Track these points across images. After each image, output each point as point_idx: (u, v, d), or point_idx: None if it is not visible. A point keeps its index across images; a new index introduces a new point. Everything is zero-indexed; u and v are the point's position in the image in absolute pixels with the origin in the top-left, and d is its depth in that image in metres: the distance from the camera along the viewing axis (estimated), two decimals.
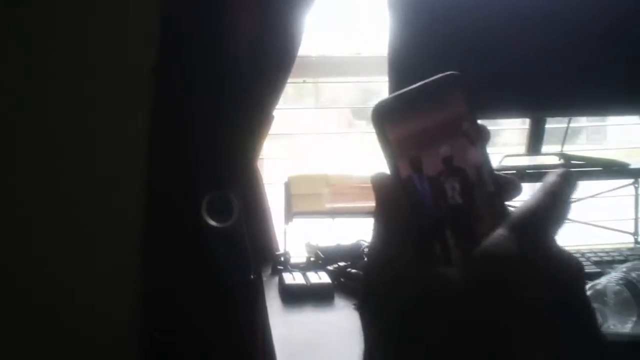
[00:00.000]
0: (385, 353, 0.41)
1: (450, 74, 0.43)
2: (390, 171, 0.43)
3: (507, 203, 0.43)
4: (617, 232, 1.26)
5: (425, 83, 0.43)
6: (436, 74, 0.43)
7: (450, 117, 0.42)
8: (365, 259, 0.45)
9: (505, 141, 1.62)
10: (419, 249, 0.42)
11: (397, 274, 0.42)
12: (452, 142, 0.42)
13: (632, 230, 1.28)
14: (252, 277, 1.23)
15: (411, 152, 0.42)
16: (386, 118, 0.43)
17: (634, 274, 0.88)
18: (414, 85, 0.43)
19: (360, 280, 0.45)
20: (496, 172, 0.43)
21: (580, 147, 1.61)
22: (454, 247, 0.42)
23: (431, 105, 0.43)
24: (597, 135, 1.73)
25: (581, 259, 1.09)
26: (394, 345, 0.41)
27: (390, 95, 0.43)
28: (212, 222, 1.25)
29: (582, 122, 1.61)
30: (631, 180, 1.27)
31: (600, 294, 0.84)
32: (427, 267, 0.41)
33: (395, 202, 0.43)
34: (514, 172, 1.21)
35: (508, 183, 0.43)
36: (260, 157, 1.36)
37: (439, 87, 0.43)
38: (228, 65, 1.26)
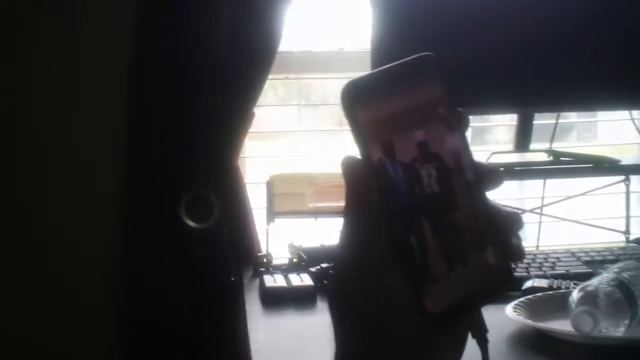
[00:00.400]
0: (354, 351, 0.41)
1: (425, 54, 0.40)
2: (361, 155, 0.40)
3: (487, 193, 0.41)
4: (607, 231, 1.23)
5: (399, 63, 0.40)
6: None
7: (426, 101, 0.40)
8: (335, 254, 0.43)
9: (497, 139, 1.60)
10: (390, 242, 0.40)
11: (364, 277, 0.40)
12: (428, 127, 0.40)
13: (623, 228, 1.25)
14: (232, 279, 1.19)
15: (383, 135, 0.40)
16: (356, 99, 0.40)
17: (625, 274, 0.85)
18: (386, 66, 0.40)
19: (329, 279, 0.44)
20: (476, 161, 0.41)
21: (570, 144, 1.59)
22: (430, 238, 0.40)
23: (404, 87, 0.40)
24: (588, 133, 1.71)
25: (571, 259, 1.06)
26: (361, 343, 0.41)
27: (361, 75, 0.40)
28: (191, 223, 1.21)
29: (572, 118, 1.58)
30: (622, 177, 1.25)
31: (592, 296, 0.81)
32: (392, 276, 0.40)
33: (365, 186, 0.40)
34: (502, 169, 1.17)
35: (489, 172, 0.41)
36: (241, 155, 1.34)
37: (413, 68, 0.40)
38: (205, 61, 1.22)
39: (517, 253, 0.43)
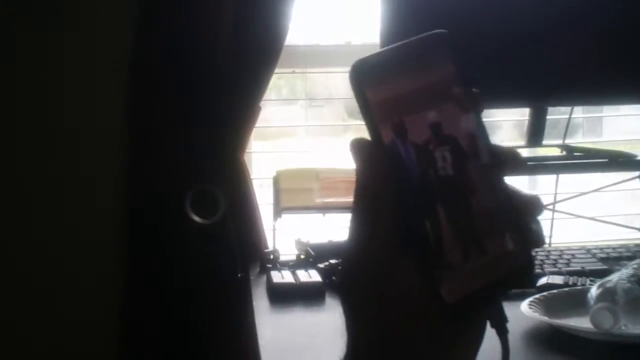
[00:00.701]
0: (366, 344, 0.40)
1: (436, 32, 0.39)
2: (371, 137, 0.38)
3: (506, 178, 0.39)
4: (622, 227, 1.21)
5: (409, 41, 0.38)
6: None
7: (438, 80, 0.38)
8: (345, 245, 0.40)
9: (502, 137, 1.58)
10: (403, 229, 0.38)
11: (374, 268, 0.39)
12: (441, 107, 0.38)
13: (638, 225, 1.23)
14: (239, 276, 1.18)
15: (394, 116, 0.38)
16: (365, 77, 0.38)
17: None
18: (396, 44, 0.38)
19: (339, 271, 0.41)
20: (493, 144, 0.39)
21: (577, 141, 1.56)
22: (445, 224, 0.38)
23: (416, 66, 0.38)
24: (594, 130, 1.69)
25: (586, 255, 1.04)
26: (372, 336, 0.39)
27: (371, 54, 0.38)
28: (197, 219, 1.19)
29: (577, 114, 1.56)
30: (637, 173, 1.22)
31: (611, 292, 0.79)
32: (404, 266, 0.38)
33: (376, 169, 0.38)
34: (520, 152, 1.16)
35: (507, 155, 0.40)
36: (248, 150, 1.32)
37: (424, 46, 0.39)
38: (210, 55, 1.21)
39: (537, 239, 0.41)
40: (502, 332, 0.41)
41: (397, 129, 0.38)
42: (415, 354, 0.39)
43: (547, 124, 1.25)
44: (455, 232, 0.38)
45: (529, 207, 0.40)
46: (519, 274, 0.40)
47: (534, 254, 0.41)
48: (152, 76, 1.21)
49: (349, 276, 0.40)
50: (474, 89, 0.39)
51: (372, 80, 0.38)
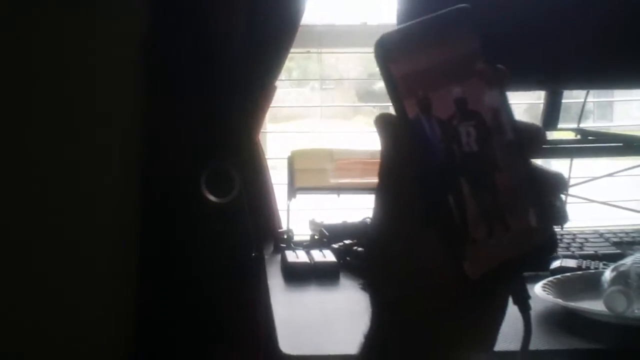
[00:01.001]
0: (389, 323, 0.40)
1: (461, 6, 0.39)
2: (396, 112, 0.39)
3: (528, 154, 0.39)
4: (636, 213, 1.21)
5: (433, 16, 0.38)
6: None
7: (463, 56, 0.38)
8: (371, 221, 0.41)
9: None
10: (427, 204, 0.38)
11: (399, 244, 0.39)
12: (466, 83, 0.38)
13: None
14: (253, 254, 1.19)
15: (418, 90, 0.38)
16: (390, 51, 0.38)
17: None
18: (421, 18, 0.38)
19: (363, 255, 0.42)
20: (517, 120, 0.39)
21: (588, 125, 1.56)
22: (469, 199, 0.38)
23: (440, 41, 0.38)
24: (605, 115, 1.68)
25: (599, 239, 1.04)
26: (397, 311, 0.40)
27: (395, 28, 0.38)
28: (212, 198, 1.20)
29: (588, 97, 1.55)
30: None
31: (624, 276, 0.79)
32: (427, 241, 0.38)
33: (400, 143, 0.39)
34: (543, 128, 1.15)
35: (530, 131, 0.40)
36: (262, 131, 1.32)
37: (449, 21, 0.38)
38: (227, 34, 1.21)
39: (560, 216, 0.41)
40: (525, 309, 0.41)
41: (422, 104, 0.38)
42: (438, 327, 0.39)
43: (563, 107, 1.25)
44: (479, 207, 0.38)
45: (552, 184, 0.40)
46: (541, 252, 0.40)
47: (556, 232, 0.40)
48: (169, 60, 1.21)
49: (374, 250, 0.41)
50: (499, 65, 0.39)
51: (396, 55, 0.38)
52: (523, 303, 0.41)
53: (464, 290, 0.38)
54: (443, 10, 0.39)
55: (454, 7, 0.39)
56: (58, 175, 1.27)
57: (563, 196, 0.42)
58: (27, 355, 1.26)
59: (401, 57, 0.38)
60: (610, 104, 1.65)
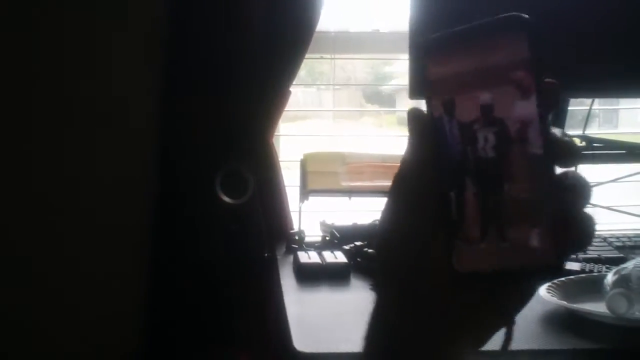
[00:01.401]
0: (390, 306, 0.42)
1: (515, 14, 0.39)
2: (427, 110, 0.42)
3: (558, 170, 0.38)
4: (638, 218, 1.24)
5: (484, 21, 0.39)
6: None
7: (503, 63, 0.39)
8: (379, 227, 0.43)
9: None
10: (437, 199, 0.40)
11: (412, 242, 0.41)
12: (498, 90, 0.39)
13: None
14: (266, 255, 1.22)
15: (446, 93, 0.40)
16: (430, 53, 0.41)
17: None
18: (472, 23, 0.40)
19: (377, 237, 0.44)
20: (552, 134, 0.39)
21: (593, 132, 1.58)
22: (470, 200, 0.39)
23: (482, 46, 0.39)
24: (610, 122, 1.70)
25: (603, 244, 1.07)
26: (406, 324, 0.41)
27: (442, 32, 0.41)
28: (226, 199, 1.23)
29: (594, 104, 1.57)
30: None
31: (626, 279, 0.82)
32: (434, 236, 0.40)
33: (424, 139, 0.42)
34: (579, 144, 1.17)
35: (561, 146, 0.39)
36: (276, 134, 1.35)
37: (497, 27, 0.39)
38: (243, 38, 1.24)
39: (579, 239, 0.38)
40: (508, 322, 0.41)
41: (446, 106, 0.40)
42: (439, 326, 0.41)
43: (569, 114, 1.27)
44: (479, 210, 0.39)
45: (573, 197, 0.38)
46: (540, 272, 0.39)
47: (569, 256, 0.40)
48: (186, 62, 1.24)
49: (386, 242, 0.43)
50: (549, 79, 0.39)
51: (435, 56, 0.41)
52: (506, 314, 0.41)
53: (451, 279, 0.40)
54: (496, 17, 0.39)
55: (507, 15, 0.39)
56: (70, 175, 1.29)
57: (593, 218, 0.39)
58: (27, 356, 1.28)
59: (440, 59, 0.40)
60: (615, 110, 1.67)
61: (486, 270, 0.39)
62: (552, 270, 0.38)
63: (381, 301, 0.43)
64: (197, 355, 1.25)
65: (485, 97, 0.39)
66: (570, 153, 0.39)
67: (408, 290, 0.42)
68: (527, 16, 0.39)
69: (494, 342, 0.43)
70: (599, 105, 1.58)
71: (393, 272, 0.42)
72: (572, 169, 0.39)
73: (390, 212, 0.42)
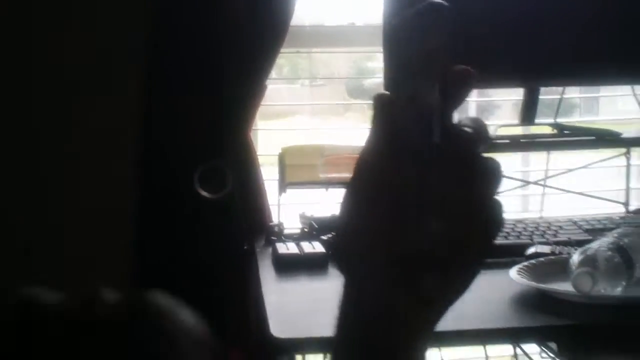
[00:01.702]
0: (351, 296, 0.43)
1: (434, 2, 0.40)
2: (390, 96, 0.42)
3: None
4: (608, 202, 1.27)
5: (415, 10, 0.41)
6: None
7: (431, 53, 0.40)
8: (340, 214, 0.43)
9: (510, 116, 1.61)
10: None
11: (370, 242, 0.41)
12: (417, 78, 0.40)
13: (623, 200, 1.28)
14: (245, 247, 1.23)
15: (399, 79, 0.41)
16: (390, 40, 0.44)
17: (625, 240, 0.89)
18: (410, 11, 0.41)
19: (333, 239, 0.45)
20: (454, 123, 0.40)
21: (573, 120, 1.61)
22: (411, 182, 0.40)
23: (411, 35, 0.41)
24: (591, 110, 1.73)
25: (573, 227, 1.10)
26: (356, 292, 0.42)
27: (396, 17, 0.41)
28: (205, 193, 1.25)
29: (575, 94, 1.60)
30: (623, 150, 1.28)
31: (592, 259, 0.85)
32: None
33: (384, 122, 0.41)
34: (508, 141, 1.21)
35: (475, 129, 0.40)
36: (254, 128, 1.36)
37: (419, 16, 0.40)
38: (219, 33, 1.25)
39: (487, 225, 0.39)
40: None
41: (400, 93, 0.41)
42: (386, 305, 0.42)
43: (545, 103, 1.30)
44: (413, 194, 0.40)
45: (487, 177, 0.39)
46: (462, 257, 0.40)
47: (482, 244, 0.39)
48: (166, 60, 1.25)
49: (343, 233, 0.43)
50: (461, 67, 0.40)
51: (392, 44, 0.41)
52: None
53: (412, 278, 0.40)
54: (420, 5, 0.40)
55: (427, 3, 0.40)
56: (53, 173, 1.30)
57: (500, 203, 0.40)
58: None
59: (394, 45, 0.41)
60: (596, 98, 1.70)
61: (419, 250, 0.40)
62: (476, 257, 0.40)
63: (342, 289, 0.44)
64: None
65: (427, 84, 0.40)
66: (470, 142, 0.40)
67: (362, 280, 0.42)
68: (441, 2, 0.40)
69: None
70: (580, 93, 1.60)
71: (348, 262, 0.43)
72: (487, 155, 0.40)
73: (347, 201, 0.42)
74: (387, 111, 0.41)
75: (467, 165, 0.39)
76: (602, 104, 1.72)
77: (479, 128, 0.40)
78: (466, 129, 0.40)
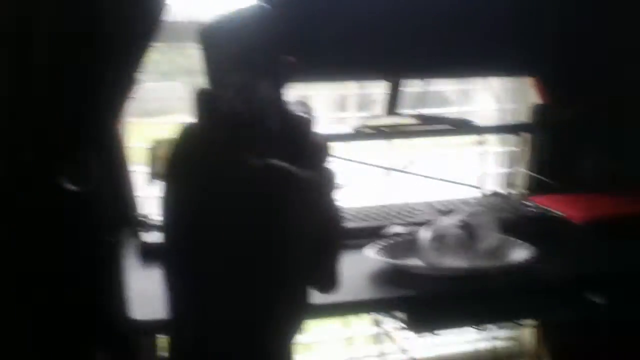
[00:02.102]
0: None
1: (256, 4, 0.44)
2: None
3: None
4: (466, 187, 1.34)
5: (236, 11, 0.44)
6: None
7: (254, 49, 0.43)
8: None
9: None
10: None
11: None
12: (255, 74, 0.43)
13: (477, 183, 1.37)
14: (111, 240, 1.21)
15: (218, 78, 0.43)
16: (207, 41, 0.44)
17: (472, 218, 0.95)
18: (228, 12, 0.44)
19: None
20: (291, 110, 0.43)
21: (451, 111, 1.67)
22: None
23: (238, 35, 0.43)
24: (464, 102, 1.81)
25: (429, 209, 1.16)
26: None
27: (212, 20, 0.44)
28: (70, 186, 1.21)
29: (449, 85, 1.66)
30: (478, 138, 1.36)
31: (440, 235, 0.90)
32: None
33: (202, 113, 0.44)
34: (374, 132, 1.26)
35: (300, 121, 0.43)
36: (125, 120, 1.34)
37: (246, 18, 0.43)
38: (87, 25, 1.23)
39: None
40: None
41: (223, 87, 0.43)
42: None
43: (422, 95, 1.35)
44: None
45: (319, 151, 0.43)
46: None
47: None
48: (31, 43, 1.21)
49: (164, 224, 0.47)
50: (286, 58, 0.43)
51: (210, 44, 0.43)
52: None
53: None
54: (243, 7, 0.43)
55: (251, 5, 0.43)
56: None
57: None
58: None
59: (210, 44, 0.43)
60: (468, 91, 1.77)
61: None
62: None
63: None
64: (48, 345, 1.22)
65: (248, 78, 0.43)
66: (304, 123, 0.43)
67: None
68: (264, 5, 0.43)
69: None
70: (454, 86, 1.65)
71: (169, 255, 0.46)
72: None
73: (165, 192, 0.45)
74: (211, 106, 0.43)
75: (303, 142, 0.42)
76: (477, 96, 1.79)
77: (308, 109, 0.43)
78: (298, 112, 0.43)
